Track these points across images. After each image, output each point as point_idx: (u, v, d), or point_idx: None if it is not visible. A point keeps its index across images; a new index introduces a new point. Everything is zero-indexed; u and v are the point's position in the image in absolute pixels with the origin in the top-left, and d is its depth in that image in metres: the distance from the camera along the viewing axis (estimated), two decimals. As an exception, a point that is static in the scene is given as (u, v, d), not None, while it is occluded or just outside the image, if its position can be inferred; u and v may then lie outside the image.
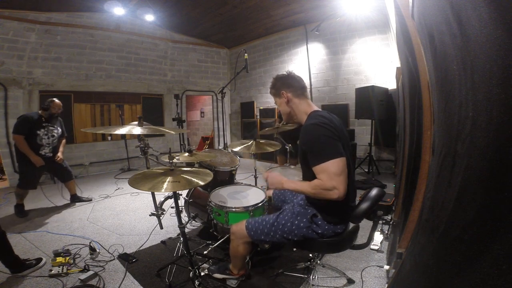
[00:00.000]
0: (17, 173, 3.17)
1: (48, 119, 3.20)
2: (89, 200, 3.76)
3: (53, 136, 3.24)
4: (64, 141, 3.50)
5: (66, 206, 3.56)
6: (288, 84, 1.53)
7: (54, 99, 3.25)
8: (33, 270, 2.04)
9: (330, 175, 1.23)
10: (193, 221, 2.47)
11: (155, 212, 2.02)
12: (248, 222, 1.58)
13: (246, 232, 1.55)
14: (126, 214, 3.27)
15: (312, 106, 1.51)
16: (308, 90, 1.61)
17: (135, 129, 1.78)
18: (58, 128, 3.34)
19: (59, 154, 3.37)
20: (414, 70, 1.45)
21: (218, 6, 5.20)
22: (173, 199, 1.82)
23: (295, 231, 1.44)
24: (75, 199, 3.69)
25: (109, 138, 6.00)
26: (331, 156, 1.24)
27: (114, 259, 2.23)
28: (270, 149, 2.61)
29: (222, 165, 2.48)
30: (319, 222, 1.42)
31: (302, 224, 1.43)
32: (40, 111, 3.20)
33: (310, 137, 1.34)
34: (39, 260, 2.12)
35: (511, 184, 0.45)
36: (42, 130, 3.14)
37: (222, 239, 2.07)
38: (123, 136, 5.96)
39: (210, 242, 2.30)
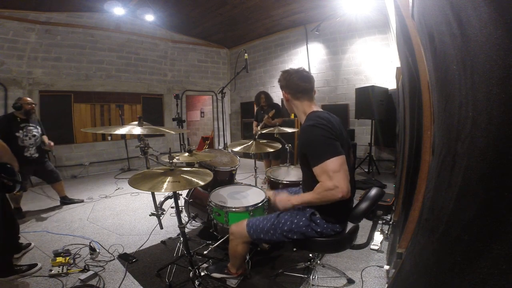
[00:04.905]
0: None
1: (27, 118, 3.09)
2: (81, 201, 3.69)
3: (34, 136, 3.13)
4: (45, 136, 3.34)
5: (66, 206, 3.55)
6: (286, 85, 1.53)
7: (20, 97, 3.15)
8: (23, 276, 1.97)
9: (330, 174, 1.23)
10: (193, 221, 2.47)
11: (155, 212, 2.02)
12: (249, 220, 1.59)
13: (246, 231, 1.55)
14: (126, 214, 3.27)
15: (312, 106, 1.51)
16: (314, 92, 1.61)
17: (135, 129, 1.78)
18: (37, 127, 3.23)
19: (49, 142, 3.26)
20: (414, 70, 1.45)
21: (218, 6, 5.20)
22: (173, 199, 1.82)
23: (294, 230, 1.45)
24: (65, 201, 3.61)
25: (109, 138, 6.00)
26: (329, 155, 1.25)
27: (114, 259, 2.23)
28: (270, 149, 2.61)
29: (222, 165, 2.48)
30: (318, 221, 1.43)
31: (301, 223, 1.44)
32: (13, 112, 3.07)
33: (308, 138, 1.36)
34: (33, 265, 2.06)
35: (511, 184, 0.45)
36: (21, 131, 3.03)
37: (222, 239, 2.06)
38: (123, 136, 5.96)
39: (210, 242, 2.30)
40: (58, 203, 3.62)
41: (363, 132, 5.27)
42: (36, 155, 3.18)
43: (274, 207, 1.54)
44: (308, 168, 1.37)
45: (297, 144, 4.86)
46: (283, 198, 1.48)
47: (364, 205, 1.45)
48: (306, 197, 1.38)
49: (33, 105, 3.15)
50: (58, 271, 1.99)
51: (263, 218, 1.56)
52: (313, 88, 1.54)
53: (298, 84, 1.49)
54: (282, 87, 1.56)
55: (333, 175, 1.23)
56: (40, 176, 3.50)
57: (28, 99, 3.15)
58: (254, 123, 4.28)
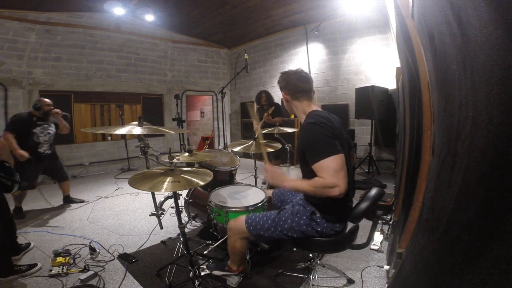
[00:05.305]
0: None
1: (44, 118, 3.19)
2: (82, 201, 3.71)
3: (49, 133, 3.24)
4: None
5: (66, 206, 3.55)
6: (285, 86, 1.54)
7: (41, 98, 3.25)
8: (23, 276, 1.97)
9: (330, 172, 1.24)
10: (193, 221, 2.47)
11: (155, 212, 2.03)
12: (248, 217, 1.59)
13: (245, 227, 1.55)
14: (126, 214, 3.27)
15: (312, 106, 1.52)
16: (313, 92, 1.61)
17: (135, 129, 1.78)
18: (53, 125, 3.33)
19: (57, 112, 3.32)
20: (414, 70, 1.45)
21: (218, 6, 5.20)
22: (173, 199, 1.82)
23: (295, 228, 1.46)
24: (67, 200, 3.65)
25: (109, 138, 6.00)
26: (329, 153, 1.26)
27: (114, 259, 2.22)
28: (270, 149, 2.61)
29: (222, 165, 2.48)
30: (318, 220, 1.44)
31: (302, 222, 1.45)
32: (31, 111, 3.18)
33: (308, 136, 1.36)
34: (33, 265, 2.06)
35: (511, 184, 0.45)
36: (38, 128, 3.14)
37: (222, 239, 2.07)
38: (123, 136, 5.96)
39: (210, 242, 2.30)
40: (58, 203, 3.62)
41: (363, 132, 5.27)
42: (49, 151, 3.28)
43: (266, 180, 1.52)
44: (307, 166, 1.37)
45: (297, 142, 4.86)
46: (277, 176, 1.45)
47: (364, 205, 1.46)
48: (301, 185, 1.36)
49: (51, 107, 3.24)
50: (58, 271, 1.99)
51: (263, 215, 1.56)
52: (312, 88, 1.54)
53: (296, 84, 1.50)
54: (281, 88, 1.58)
55: (333, 173, 1.23)
56: (49, 174, 3.57)
57: (47, 100, 3.24)
58: (254, 122, 4.28)
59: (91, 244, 2.31)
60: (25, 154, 2.96)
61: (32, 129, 3.09)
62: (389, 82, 4.74)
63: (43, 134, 3.18)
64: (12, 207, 3.20)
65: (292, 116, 5.44)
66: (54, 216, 3.21)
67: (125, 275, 1.99)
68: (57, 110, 3.28)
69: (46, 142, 3.22)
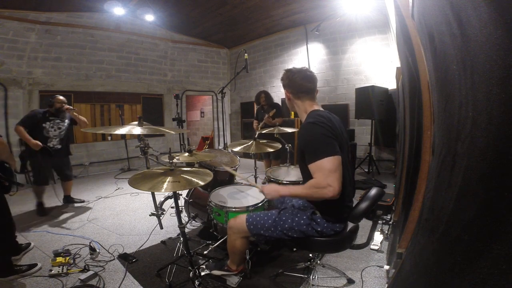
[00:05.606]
0: (23, 173, 3.20)
1: (56, 114, 3.28)
2: (82, 201, 3.72)
3: (59, 128, 3.31)
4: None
5: (66, 206, 3.55)
6: (288, 84, 1.53)
7: (56, 95, 3.35)
8: (23, 276, 1.97)
9: (325, 172, 1.24)
10: (193, 221, 2.47)
11: (155, 212, 2.02)
12: (249, 216, 1.58)
13: (245, 226, 1.55)
14: (126, 214, 3.27)
15: (313, 106, 1.51)
16: (316, 91, 1.60)
17: (135, 129, 1.78)
18: (66, 121, 3.39)
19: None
20: (414, 70, 1.45)
21: (218, 6, 5.20)
22: (173, 199, 1.82)
23: (295, 228, 1.46)
24: (68, 200, 3.66)
25: (109, 138, 6.00)
26: (326, 154, 1.26)
27: (114, 259, 2.22)
28: (270, 149, 2.61)
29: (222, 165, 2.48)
30: (318, 220, 1.44)
31: (302, 221, 1.45)
32: (47, 108, 3.31)
33: (307, 135, 1.36)
34: (33, 265, 2.06)
35: (511, 184, 0.45)
36: (48, 123, 3.23)
37: (222, 239, 2.07)
38: (123, 136, 5.96)
39: (210, 242, 2.30)
40: (59, 203, 3.62)
41: (363, 132, 5.27)
42: (59, 146, 3.34)
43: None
44: (306, 165, 1.37)
45: (297, 142, 4.86)
46: (271, 189, 1.45)
47: (364, 205, 1.46)
48: (296, 190, 1.37)
49: (63, 104, 3.31)
50: (58, 271, 1.99)
51: (264, 215, 1.56)
52: (316, 88, 1.53)
53: (300, 84, 1.49)
54: (284, 86, 1.56)
55: (328, 174, 1.23)
56: (58, 170, 3.60)
57: (61, 98, 3.32)
58: (255, 122, 4.28)
59: (91, 244, 2.31)
60: (39, 143, 3.05)
61: (42, 123, 3.18)
62: (389, 82, 4.74)
63: (53, 129, 3.26)
64: (34, 201, 3.31)
65: (292, 116, 5.44)
66: (54, 216, 3.21)
67: (125, 275, 1.99)
68: (68, 106, 3.34)
69: (56, 137, 3.29)
